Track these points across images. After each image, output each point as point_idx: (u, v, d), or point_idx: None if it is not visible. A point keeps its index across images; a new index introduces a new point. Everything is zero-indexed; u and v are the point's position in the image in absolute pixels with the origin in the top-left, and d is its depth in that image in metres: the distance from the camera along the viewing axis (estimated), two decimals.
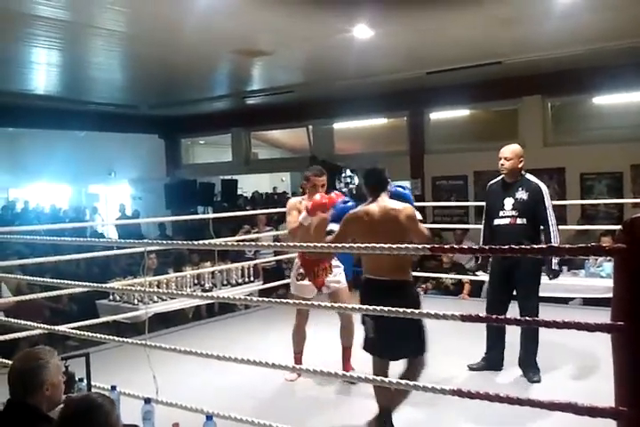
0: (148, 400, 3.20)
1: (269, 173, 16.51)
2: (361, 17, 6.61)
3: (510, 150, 4.91)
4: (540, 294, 7.01)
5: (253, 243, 4.77)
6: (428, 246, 2.72)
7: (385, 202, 3.78)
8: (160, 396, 3.64)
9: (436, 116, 11.55)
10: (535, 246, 2.41)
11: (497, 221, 4.86)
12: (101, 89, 11.19)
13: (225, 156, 14.90)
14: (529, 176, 4.92)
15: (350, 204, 4.30)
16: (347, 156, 12.67)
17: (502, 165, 4.87)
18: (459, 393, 2.51)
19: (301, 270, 4.96)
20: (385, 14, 6.48)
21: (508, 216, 4.80)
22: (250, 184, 16.06)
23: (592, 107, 10.21)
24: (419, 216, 3.88)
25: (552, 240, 4.68)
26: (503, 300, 4.88)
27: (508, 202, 4.82)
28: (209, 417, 2.92)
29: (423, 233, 3.71)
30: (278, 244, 3.78)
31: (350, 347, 4.82)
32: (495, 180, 5.09)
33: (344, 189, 11.32)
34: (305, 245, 3.40)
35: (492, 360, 4.95)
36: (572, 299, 7.33)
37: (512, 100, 10.44)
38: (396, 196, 4.01)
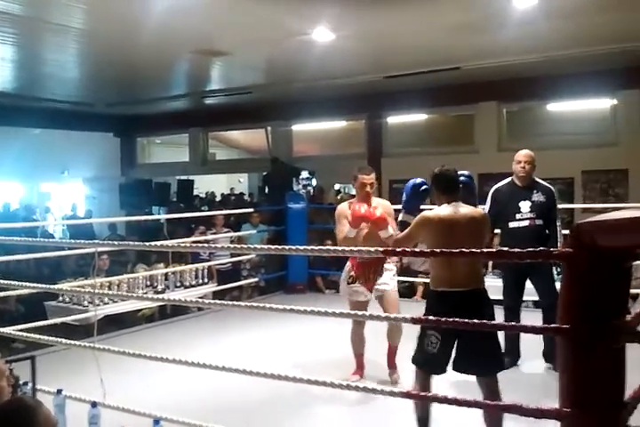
0: (94, 404, 3.14)
1: (227, 173, 16.40)
2: (321, 20, 6.61)
3: (529, 155, 5.10)
4: (493, 297, 7.11)
5: (207, 244, 4.71)
6: (381, 249, 2.73)
7: (460, 206, 3.53)
8: (108, 400, 3.57)
9: (394, 119, 11.63)
10: (485, 250, 2.43)
11: (513, 224, 4.96)
12: (57, 86, 10.97)
13: (182, 155, 14.75)
14: (538, 179, 5.12)
15: (424, 186, 4.08)
16: (305, 157, 12.68)
17: (523, 168, 5.04)
18: (407, 395, 2.52)
19: (352, 273, 4.82)
20: (345, 18, 6.50)
21: (526, 218, 4.92)
22: (207, 185, 15.93)
23: (546, 113, 10.41)
24: None
25: (558, 239, 4.88)
26: (519, 302, 5.08)
27: (525, 205, 4.95)
28: (156, 421, 2.87)
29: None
30: (232, 246, 3.75)
31: (397, 346, 4.75)
32: (501, 184, 5.23)
33: (302, 191, 11.38)
34: (266, 247, 3.38)
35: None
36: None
37: (468, 105, 10.58)
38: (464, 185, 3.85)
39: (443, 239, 3.33)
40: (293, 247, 3.11)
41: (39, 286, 4.56)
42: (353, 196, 13.13)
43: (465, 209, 3.50)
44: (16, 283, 4.28)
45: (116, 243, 3.62)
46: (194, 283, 7.28)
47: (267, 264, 9.23)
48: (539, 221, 4.92)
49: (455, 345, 3.31)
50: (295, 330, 6.32)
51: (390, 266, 4.85)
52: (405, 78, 9.31)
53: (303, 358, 5.43)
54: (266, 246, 3.16)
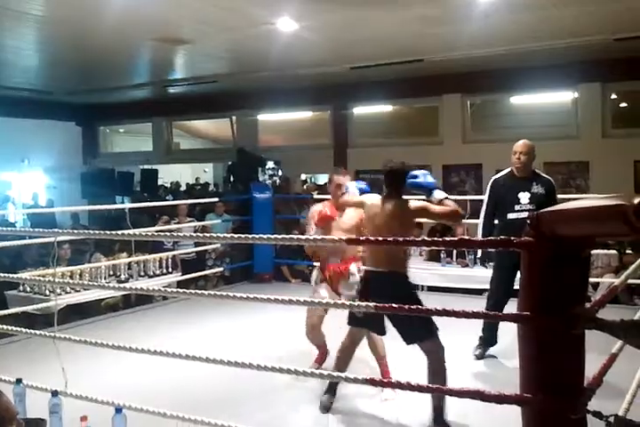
0: (55, 393, 3.10)
1: (191, 163, 16.27)
2: (285, 9, 6.59)
3: (526, 145, 5.00)
4: (456, 286, 7.28)
5: (171, 233, 4.68)
6: (345, 238, 2.75)
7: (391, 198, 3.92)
8: (69, 389, 3.54)
9: (360, 110, 11.66)
10: (447, 239, 2.46)
11: (512, 216, 4.91)
12: (16, 74, 10.71)
13: (145, 145, 14.58)
14: (538, 171, 5.07)
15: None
16: (271, 147, 12.64)
17: (518, 159, 4.98)
18: (371, 382, 2.55)
19: (321, 274, 4.84)
20: (309, 8, 6.49)
21: (525, 210, 4.81)
22: (171, 174, 15.79)
23: (509, 106, 10.55)
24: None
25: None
26: (508, 294, 4.92)
27: (524, 196, 4.91)
28: (118, 410, 2.85)
29: (444, 210, 3.74)
30: (198, 235, 3.73)
31: (383, 356, 4.54)
32: (500, 175, 5.18)
33: (268, 181, 11.36)
34: (229, 236, 3.35)
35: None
36: (486, 290, 7.53)
37: (433, 97, 10.66)
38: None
39: (368, 224, 3.99)
40: (258, 236, 3.09)
41: (1, 275, 4.48)
42: (319, 186, 13.21)
43: (393, 200, 3.89)
44: None
45: (75, 231, 3.57)
46: (158, 272, 7.23)
47: (232, 254, 9.20)
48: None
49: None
50: (260, 319, 6.33)
51: (355, 270, 4.59)
52: (370, 70, 9.34)
53: (268, 346, 5.44)
54: (229, 235, 3.17)
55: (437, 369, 3.64)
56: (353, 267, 4.60)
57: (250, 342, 5.66)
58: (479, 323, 5.10)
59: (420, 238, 2.48)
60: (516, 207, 4.91)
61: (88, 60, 9.19)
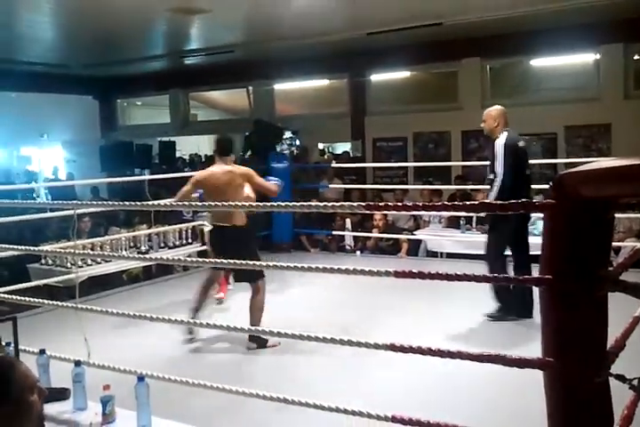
0: (78, 363, 3.13)
1: (209, 134, 16.19)
2: None
3: (485, 113, 5.46)
4: (474, 252, 7.27)
5: (188, 204, 4.68)
6: (364, 204, 2.70)
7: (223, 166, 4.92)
8: (92, 358, 3.58)
9: (377, 77, 11.49)
10: (467, 203, 2.41)
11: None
12: (32, 48, 10.69)
13: (163, 117, 14.54)
14: (500, 135, 5.23)
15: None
16: (288, 117, 12.54)
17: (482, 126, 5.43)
18: (392, 348, 2.53)
19: None
20: None
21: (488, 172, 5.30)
22: (189, 146, 15.76)
23: (529, 69, 10.32)
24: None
25: (490, 194, 5.17)
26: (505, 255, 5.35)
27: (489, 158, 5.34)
28: (140, 378, 2.87)
29: (265, 185, 5.08)
30: (218, 203, 3.70)
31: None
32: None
33: (286, 151, 11.29)
34: (248, 204, 3.35)
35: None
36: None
37: (452, 62, 10.46)
38: None
39: (208, 190, 4.91)
40: (277, 204, 3.07)
41: (22, 247, 4.52)
42: (337, 155, 13.12)
43: (226, 167, 4.88)
44: (1, 246, 4.23)
45: (95, 202, 3.57)
46: (177, 243, 7.26)
47: (251, 224, 9.19)
48: (491, 175, 5.19)
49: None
50: (280, 288, 6.36)
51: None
52: (387, 35, 9.16)
53: (287, 314, 5.47)
54: (249, 204, 3.18)
55: (260, 305, 4.72)
56: None
57: (269, 309, 5.69)
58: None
59: (439, 203, 2.43)
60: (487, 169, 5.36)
61: (104, 32, 9.13)
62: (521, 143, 5.32)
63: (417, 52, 10.24)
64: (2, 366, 1.96)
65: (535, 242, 6.69)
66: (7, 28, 9.03)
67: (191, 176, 5.23)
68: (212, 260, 4.68)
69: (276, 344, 4.68)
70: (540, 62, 10.05)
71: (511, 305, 5.18)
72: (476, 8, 7.96)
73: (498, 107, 5.41)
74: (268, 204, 3.34)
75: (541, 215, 6.47)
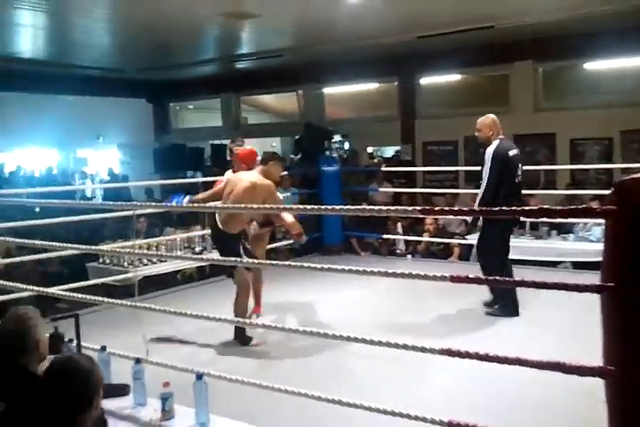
0: (138, 360, 3.22)
1: (259, 137, 16.37)
2: None
3: (477, 122, 5.58)
4: (529, 258, 7.24)
5: (243, 206, 4.76)
6: (419, 208, 2.72)
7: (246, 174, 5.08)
8: (150, 356, 3.67)
9: (427, 80, 11.45)
10: (526, 208, 2.40)
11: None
12: (88, 52, 10.97)
13: (214, 120, 14.75)
14: (493, 143, 5.38)
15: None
16: (337, 120, 12.59)
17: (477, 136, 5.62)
18: (447, 352, 2.54)
19: None
20: None
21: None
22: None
23: (583, 72, 10.14)
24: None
25: (477, 201, 5.32)
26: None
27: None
28: (199, 376, 2.94)
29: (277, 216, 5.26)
30: (268, 206, 3.77)
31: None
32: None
33: (335, 154, 11.35)
34: (302, 207, 3.39)
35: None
36: (561, 262, 7.39)
37: (503, 65, 10.35)
38: None
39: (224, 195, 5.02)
40: (330, 207, 3.11)
41: (83, 247, 4.66)
42: (387, 159, 13.12)
43: (247, 175, 5.03)
44: (60, 244, 4.37)
45: (153, 204, 3.67)
46: None
47: (301, 227, 9.25)
48: (481, 181, 5.38)
49: None
50: (329, 290, 6.39)
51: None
52: (438, 38, 9.12)
53: (340, 316, 5.51)
54: (301, 206, 3.22)
55: (239, 300, 4.90)
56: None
57: (321, 311, 5.73)
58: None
59: (497, 208, 2.43)
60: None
61: (158, 37, 9.32)
62: (511, 152, 5.44)
63: (468, 55, 10.17)
64: (83, 371, 2.03)
65: (591, 248, 6.67)
66: (63, 34, 9.32)
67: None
68: (262, 260, 4.83)
69: (260, 343, 4.84)
70: (594, 65, 9.87)
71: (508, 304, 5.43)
72: (529, 11, 7.87)
73: (491, 115, 5.56)
74: (323, 207, 3.37)
75: (597, 221, 6.44)
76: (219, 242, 5.20)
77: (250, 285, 5.09)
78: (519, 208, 2.39)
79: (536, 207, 2.42)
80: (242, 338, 4.82)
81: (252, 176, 4.98)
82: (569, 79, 10.55)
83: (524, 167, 5.72)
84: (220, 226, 4.96)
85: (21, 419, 2.13)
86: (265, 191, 4.86)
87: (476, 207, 5.07)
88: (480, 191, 5.30)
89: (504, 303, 5.46)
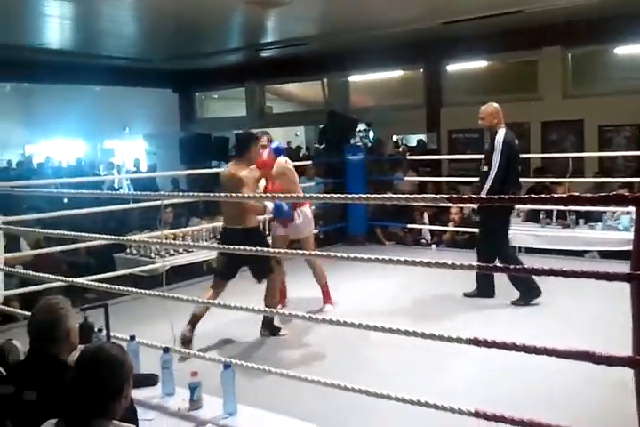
0: (166, 350, 3.24)
1: (284, 126, 16.36)
2: None
3: (481, 111, 5.74)
4: (556, 247, 7.20)
5: (270, 195, 4.75)
6: (446, 197, 2.69)
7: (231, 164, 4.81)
8: (178, 345, 3.70)
9: (453, 67, 11.33)
10: (556, 195, 2.37)
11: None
12: (114, 42, 11.04)
13: (239, 110, 14.76)
14: (500, 129, 5.60)
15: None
16: (362, 109, 12.51)
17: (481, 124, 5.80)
18: (475, 342, 2.52)
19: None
20: None
21: (483, 164, 5.65)
22: None
23: (613, 57, 9.95)
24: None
25: (485, 185, 5.47)
26: None
27: (485, 152, 5.75)
28: (227, 366, 2.95)
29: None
30: (293, 195, 3.76)
31: (324, 285, 5.58)
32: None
33: (359, 144, 11.30)
34: (325, 196, 3.38)
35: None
36: (588, 252, 7.31)
37: (531, 50, 10.18)
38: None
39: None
40: (357, 196, 3.08)
41: (110, 237, 4.70)
42: (412, 147, 13.01)
43: (230, 167, 4.77)
44: (88, 235, 4.42)
45: (180, 194, 3.68)
46: None
47: (325, 216, 9.24)
48: (485, 168, 5.56)
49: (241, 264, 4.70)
50: (355, 279, 6.40)
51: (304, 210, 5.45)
52: (465, 24, 9.01)
53: (364, 306, 5.52)
54: (326, 195, 3.20)
55: (274, 293, 4.86)
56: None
57: (345, 300, 5.74)
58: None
59: (525, 196, 2.40)
60: (482, 162, 5.71)
61: (182, 25, 9.33)
62: (516, 141, 5.72)
63: (495, 41, 10.01)
64: (115, 361, 2.05)
65: (619, 237, 6.59)
66: (89, 24, 9.37)
67: None
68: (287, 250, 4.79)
69: (287, 333, 4.91)
70: (624, 50, 9.68)
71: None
72: None
73: (494, 104, 5.74)
74: (350, 195, 3.33)
75: (625, 210, 6.37)
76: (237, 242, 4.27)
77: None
78: (546, 195, 2.36)
79: (565, 195, 2.38)
80: (270, 328, 4.86)
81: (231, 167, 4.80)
82: (598, 65, 10.35)
83: (553, 155, 5.83)
84: (232, 225, 4.74)
85: (52, 407, 2.15)
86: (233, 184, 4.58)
87: (484, 195, 5.23)
88: (490, 178, 5.43)
89: (484, 287, 5.71)
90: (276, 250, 4.89)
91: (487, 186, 5.43)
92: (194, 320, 4.43)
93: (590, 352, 2.22)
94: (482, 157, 5.65)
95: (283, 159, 5.30)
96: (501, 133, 5.55)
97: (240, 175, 4.58)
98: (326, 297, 5.63)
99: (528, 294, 5.49)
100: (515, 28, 9.47)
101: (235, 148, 4.82)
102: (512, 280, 5.46)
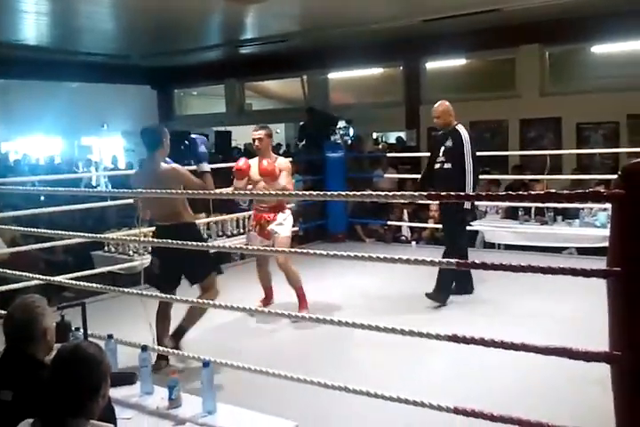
0: (144, 348, 3.22)
1: (264, 123, 16.30)
2: None
3: (435, 110, 5.66)
4: (534, 244, 7.23)
5: (248, 192, 4.75)
6: (425, 194, 2.70)
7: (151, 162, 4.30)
8: (156, 344, 3.67)
9: (432, 65, 11.37)
10: (533, 193, 2.39)
11: (435, 166, 5.68)
12: (92, 39, 10.94)
13: (218, 107, 14.70)
14: (459, 127, 5.58)
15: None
16: (342, 106, 12.52)
17: (436, 122, 5.73)
18: (454, 339, 2.53)
19: (252, 222, 5.43)
20: None
21: (439, 162, 5.61)
22: (244, 136, 15.88)
23: (590, 56, 10.04)
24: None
25: (466, 184, 5.35)
26: None
27: (441, 150, 5.61)
28: (206, 364, 2.94)
29: (201, 184, 4.13)
30: (274, 192, 3.76)
31: (299, 288, 5.29)
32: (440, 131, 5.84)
33: (339, 141, 11.31)
34: (306, 193, 3.37)
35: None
36: (566, 248, 7.38)
37: (510, 48, 10.26)
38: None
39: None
40: (336, 193, 3.07)
41: (88, 235, 4.66)
42: (391, 145, 13.03)
43: (151, 165, 4.25)
44: (66, 233, 4.37)
45: (156, 191, 3.64)
46: (235, 232, 7.37)
47: (305, 214, 9.24)
48: (447, 165, 5.51)
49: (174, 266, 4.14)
50: (334, 277, 6.40)
51: (283, 215, 5.25)
52: (444, 22, 9.04)
53: (344, 303, 5.52)
54: (307, 192, 3.18)
55: (197, 312, 4.18)
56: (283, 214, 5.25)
57: (326, 298, 5.74)
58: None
59: (503, 193, 2.41)
60: (437, 159, 5.65)
61: (161, 22, 9.26)
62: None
63: (473, 39, 10.06)
64: (91, 359, 2.03)
65: (596, 234, 6.66)
66: (66, 20, 9.28)
67: None
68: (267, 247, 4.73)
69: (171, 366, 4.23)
70: (601, 49, 9.78)
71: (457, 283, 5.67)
72: None
73: (445, 102, 5.71)
74: (330, 192, 3.31)
75: (602, 207, 6.43)
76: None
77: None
78: (526, 192, 2.38)
79: (543, 192, 2.39)
80: (176, 341, 4.16)
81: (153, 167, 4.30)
82: (576, 63, 10.45)
83: (531, 152, 5.83)
84: (167, 222, 4.26)
85: (29, 407, 2.14)
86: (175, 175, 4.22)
87: (469, 192, 5.21)
88: (469, 175, 5.35)
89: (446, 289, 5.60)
90: (254, 247, 4.89)
91: (468, 184, 5.36)
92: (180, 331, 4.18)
93: (568, 348, 2.24)
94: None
95: (283, 159, 5.39)
96: (464, 130, 5.56)
97: (180, 169, 4.22)
98: (302, 301, 5.29)
99: (446, 291, 5.55)
100: (493, 25, 9.53)
101: (149, 142, 4.34)
102: (441, 273, 5.50)
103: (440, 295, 5.52)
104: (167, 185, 3.88)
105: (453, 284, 5.66)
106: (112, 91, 14.07)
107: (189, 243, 3.56)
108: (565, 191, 2.25)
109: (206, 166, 4.27)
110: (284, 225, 5.24)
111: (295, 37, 10.44)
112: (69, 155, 16.45)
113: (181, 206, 4.25)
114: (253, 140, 5.38)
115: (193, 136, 4.39)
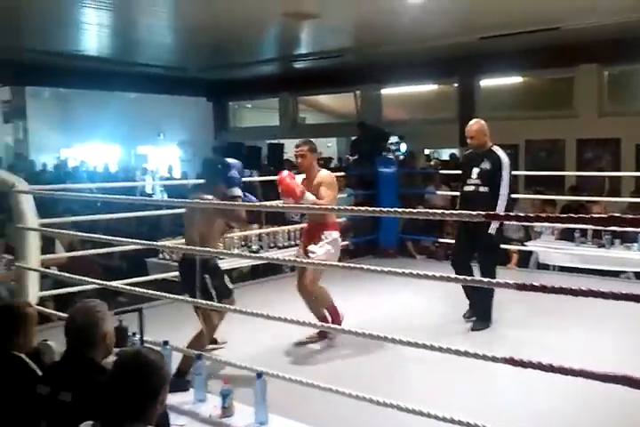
0: (199, 356, 3.27)
1: (316, 137, 16.36)
2: None
3: (471, 130, 5.41)
4: (590, 266, 7.01)
5: (298, 206, 4.78)
6: (483, 213, 2.69)
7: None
8: (211, 352, 3.72)
9: (487, 82, 11.30)
10: (596, 216, 2.35)
11: (466, 188, 5.43)
12: (151, 51, 11.22)
13: (272, 120, 14.87)
14: (496, 148, 5.36)
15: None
16: (395, 122, 12.52)
17: (470, 142, 5.47)
18: (510, 361, 2.50)
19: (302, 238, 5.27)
20: None
21: (472, 184, 5.35)
22: None
23: None
24: None
25: (498, 206, 5.06)
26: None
27: (474, 171, 5.34)
28: (259, 375, 2.97)
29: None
30: (325, 206, 3.78)
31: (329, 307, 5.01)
32: (471, 150, 5.60)
33: (390, 156, 11.30)
34: (357, 209, 3.38)
35: None
36: (624, 272, 7.20)
37: (567, 67, 10.13)
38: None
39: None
40: (388, 209, 3.05)
41: (144, 242, 4.76)
42: (444, 161, 12.95)
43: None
44: (123, 239, 4.48)
45: (213, 202, 3.70)
46: (286, 244, 7.40)
47: (356, 228, 9.22)
48: (483, 189, 5.27)
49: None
50: (384, 293, 6.37)
51: (328, 235, 4.85)
52: (500, 39, 8.99)
53: (394, 320, 5.48)
54: (358, 208, 3.18)
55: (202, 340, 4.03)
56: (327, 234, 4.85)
57: (377, 314, 5.72)
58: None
59: (565, 215, 2.39)
60: (468, 181, 5.38)
61: (219, 36, 9.44)
62: None
63: (530, 57, 9.98)
64: (153, 365, 2.07)
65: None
66: (126, 32, 9.57)
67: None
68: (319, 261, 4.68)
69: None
70: None
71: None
72: (594, 13, 7.67)
73: (480, 120, 5.50)
74: (379, 209, 3.30)
75: None
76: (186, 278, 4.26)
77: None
78: (588, 215, 2.35)
79: (606, 215, 2.36)
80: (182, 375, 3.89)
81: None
82: (635, 83, 10.27)
83: (588, 173, 5.61)
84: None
85: (87, 409, 2.18)
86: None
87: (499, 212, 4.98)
88: (503, 198, 5.12)
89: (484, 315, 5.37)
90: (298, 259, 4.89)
91: (501, 207, 5.09)
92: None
93: (628, 376, 2.19)
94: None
95: (325, 172, 5.03)
96: (503, 154, 5.30)
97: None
98: (336, 318, 4.99)
99: (488, 315, 5.33)
100: (551, 44, 9.44)
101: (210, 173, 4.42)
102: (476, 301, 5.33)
103: (484, 322, 5.33)
104: (207, 214, 4.04)
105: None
106: (169, 101, 14.39)
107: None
108: (630, 216, 2.21)
109: (237, 191, 4.22)
110: (322, 247, 4.83)
111: (349, 53, 10.51)
112: (126, 163, 16.84)
113: (209, 236, 4.24)
114: (296, 156, 4.96)
115: (229, 161, 4.34)
